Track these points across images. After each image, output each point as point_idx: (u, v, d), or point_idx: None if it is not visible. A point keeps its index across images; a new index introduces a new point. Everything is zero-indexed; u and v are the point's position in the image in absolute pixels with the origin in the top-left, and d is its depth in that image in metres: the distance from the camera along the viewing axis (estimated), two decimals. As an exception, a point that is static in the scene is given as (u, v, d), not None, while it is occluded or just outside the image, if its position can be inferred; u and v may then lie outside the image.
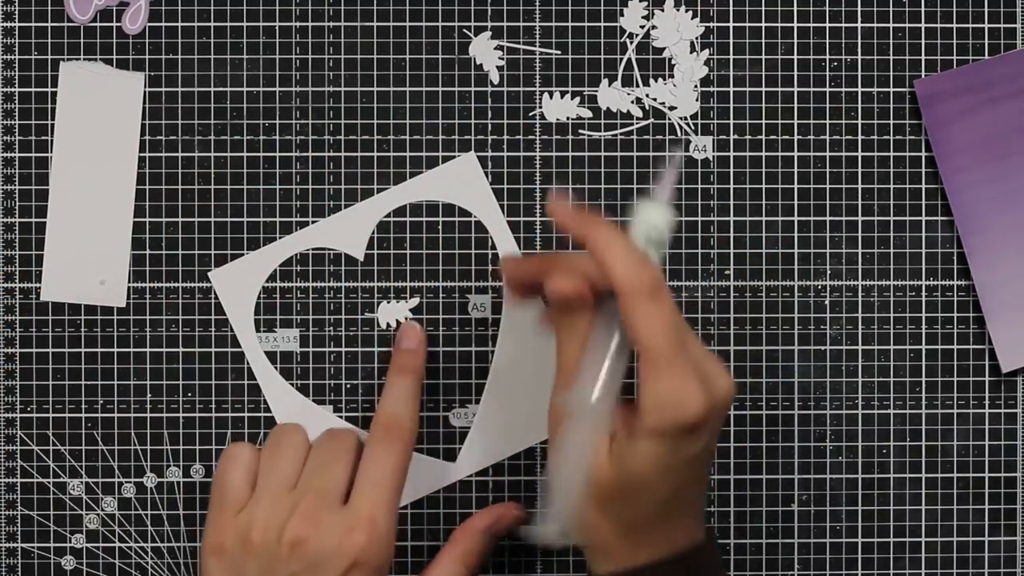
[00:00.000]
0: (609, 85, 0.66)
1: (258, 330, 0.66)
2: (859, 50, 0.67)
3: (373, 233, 0.66)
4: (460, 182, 0.66)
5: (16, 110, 0.66)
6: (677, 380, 0.53)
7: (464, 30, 0.66)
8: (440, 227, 0.66)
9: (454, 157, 0.66)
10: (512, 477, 0.66)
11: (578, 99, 0.67)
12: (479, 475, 0.66)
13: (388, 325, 0.66)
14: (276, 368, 0.66)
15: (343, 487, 0.60)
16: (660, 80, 0.67)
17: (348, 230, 0.66)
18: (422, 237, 0.66)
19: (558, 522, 0.56)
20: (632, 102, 0.66)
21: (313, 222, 0.66)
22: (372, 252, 0.66)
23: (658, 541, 0.56)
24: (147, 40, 0.66)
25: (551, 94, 0.66)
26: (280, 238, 0.66)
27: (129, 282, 0.66)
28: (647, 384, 0.53)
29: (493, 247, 0.66)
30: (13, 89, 0.66)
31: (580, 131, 0.67)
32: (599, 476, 0.55)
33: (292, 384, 0.66)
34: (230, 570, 0.58)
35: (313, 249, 0.66)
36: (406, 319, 0.66)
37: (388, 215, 0.66)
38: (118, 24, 0.66)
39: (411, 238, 0.66)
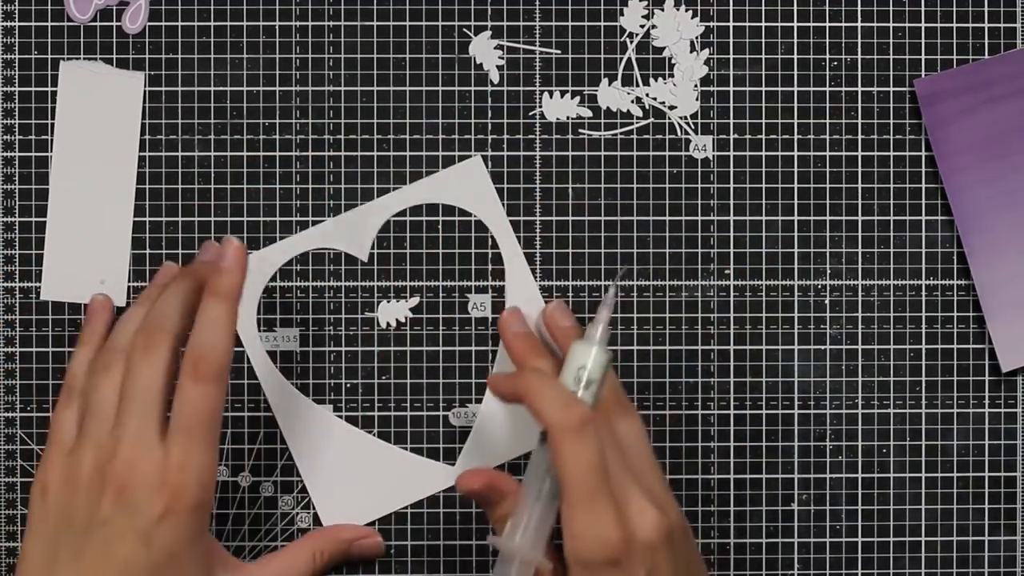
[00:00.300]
0: (609, 85, 0.66)
1: (259, 329, 0.66)
2: (859, 50, 0.67)
3: (377, 234, 0.66)
4: (466, 185, 0.66)
5: (16, 110, 0.66)
6: (592, 515, 0.54)
7: (464, 30, 0.66)
8: (441, 227, 0.66)
9: (454, 157, 0.66)
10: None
11: (578, 99, 0.67)
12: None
13: (388, 325, 0.66)
14: (276, 367, 0.66)
15: (161, 413, 0.57)
16: (660, 80, 0.67)
17: (353, 231, 0.66)
18: (422, 237, 0.66)
19: None
20: (632, 102, 0.66)
21: (315, 222, 0.66)
22: (373, 251, 0.66)
23: None
24: (147, 40, 0.66)
25: (551, 94, 0.67)
26: (282, 237, 0.66)
27: (129, 282, 0.66)
28: (565, 517, 0.55)
29: (495, 248, 0.66)
30: (13, 89, 0.66)
31: (580, 131, 0.67)
32: None
33: (292, 383, 0.66)
34: (52, 509, 0.57)
35: (315, 249, 0.66)
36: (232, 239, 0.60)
37: (392, 216, 0.66)
38: (118, 24, 0.66)
39: (411, 238, 0.66)
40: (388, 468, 0.66)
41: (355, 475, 0.66)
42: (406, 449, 0.66)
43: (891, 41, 0.67)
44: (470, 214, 0.66)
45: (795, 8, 0.67)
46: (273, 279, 0.66)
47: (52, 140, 0.66)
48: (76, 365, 0.61)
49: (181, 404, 0.56)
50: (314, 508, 0.66)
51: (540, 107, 0.67)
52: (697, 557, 0.59)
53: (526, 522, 0.57)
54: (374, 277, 0.66)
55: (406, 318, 0.66)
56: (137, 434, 0.56)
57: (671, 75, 0.67)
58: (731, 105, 0.67)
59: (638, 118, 0.67)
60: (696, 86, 0.67)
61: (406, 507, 0.66)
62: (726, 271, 0.67)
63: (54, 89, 0.66)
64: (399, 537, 0.66)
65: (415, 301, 0.66)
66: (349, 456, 0.66)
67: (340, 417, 0.66)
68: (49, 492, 0.57)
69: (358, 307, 0.66)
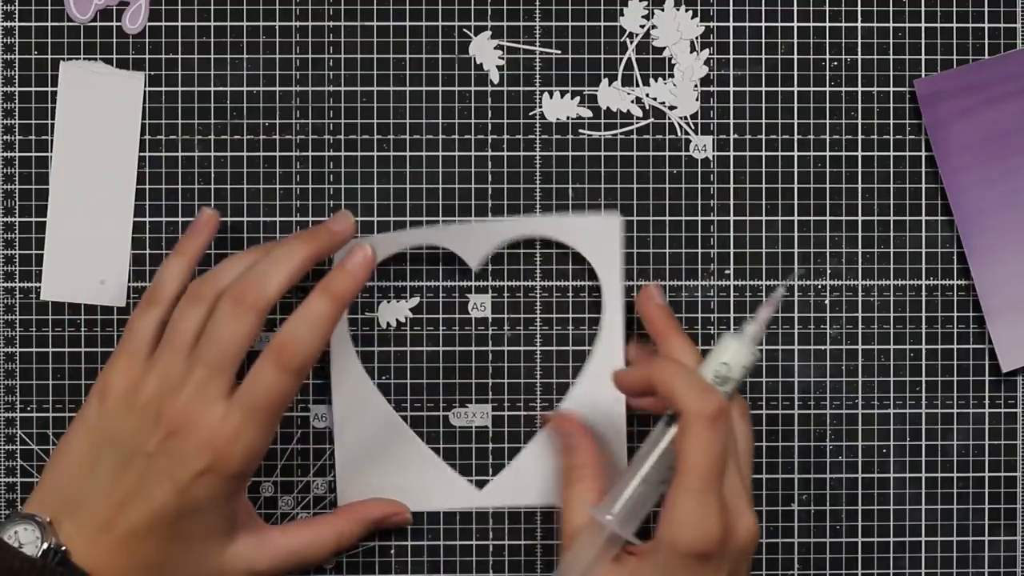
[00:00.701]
0: (609, 85, 0.66)
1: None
2: (859, 50, 0.67)
3: (490, 251, 0.66)
4: (597, 239, 0.65)
5: (16, 110, 0.66)
6: (701, 507, 0.55)
7: (464, 30, 0.66)
8: (555, 272, 0.66)
9: (454, 157, 0.66)
10: (534, 525, 0.66)
11: (578, 99, 0.67)
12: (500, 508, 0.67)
13: (388, 325, 0.66)
14: (353, 345, 0.66)
15: (232, 372, 0.58)
16: (660, 80, 0.67)
17: (472, 239, 0.65)
18: (536, 270, 0.66)
19: None
20: (632, 102, 0.66)
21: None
22: (486, 267, 0.66)
23: None
24: (147, 40, 0.66)
25: (551, 94, 0.67)
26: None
27: (129, 282, 0.66)
28: (674, 502, 0.55)
29: (594, 296, 0.66)
30: (13, 89, 0.66)
31: (580, 131, 0.67)
32: None
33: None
34: (106, 417, 0.58)
35: (427, 247, 0.66)
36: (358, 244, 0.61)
37: (510, 240, 0.66)
38: (118, 24, 0.66)
39: (518, 255, 0.66)
40: (418, 469, 0.66)
41: (384, 465, 0.66)
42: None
43: (891, 41, 0.67)
44: (585, 262, 0.66)
45: (795, 8, 0.67)
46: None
47: (52, 140, 0.66)
48: (166, 274, 0.61)
49: (254, 381, 0.57)
50: (334, 479, 0.66)
51: (540, 107, 0.67)
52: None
53: (628, 498, 0.58)
54: (374, 277, 0.66)
55: (406, 318, 0.66)
56: (203, 385, 0.57)
57: (671, 75, 0.67)
58: (731, 105, 0.67)
59: (638, 118, 0.67)
60: (696, 86, 0.67)
61: (422, 515, 0.66)
62: (726, 271, 0.67)
63: (54, 89, 0.66)
64: (399, 537, 0.66)
65: (415, 301, 0.66)
66: (386, 445, 0.66)
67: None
68: (108, 398, 0.58)
69: (358, 307, 0.66)
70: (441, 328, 0.67)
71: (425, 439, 0.66)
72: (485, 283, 0.66)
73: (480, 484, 0.66)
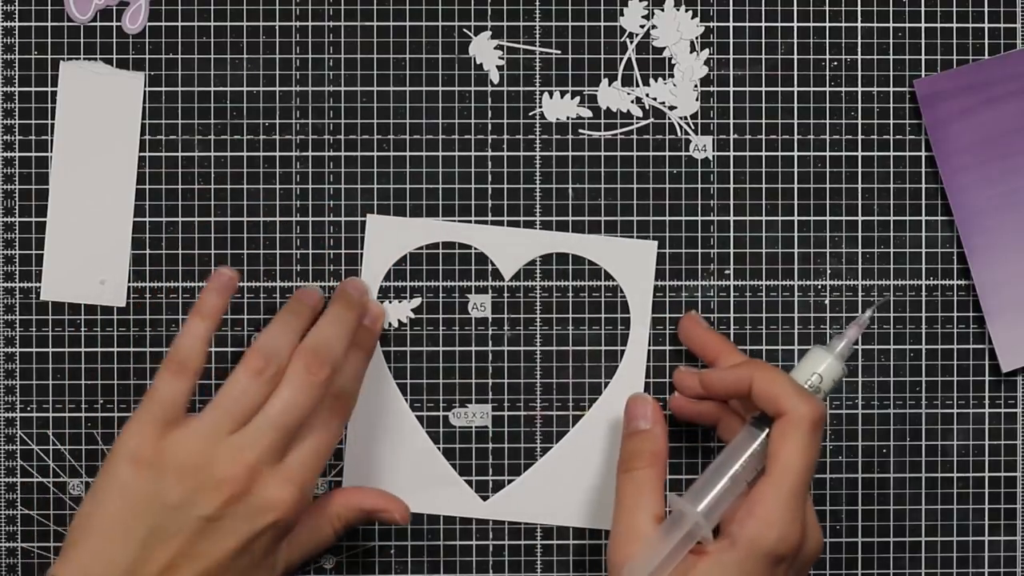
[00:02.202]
0: (609, 85, 0.66)
1: (258, 329, 0.66)
2: (859, 50, 0.67)
3: (522, 264, 0.66)
4: (632, 262, 0.66)
5: (16, 110, 0.66)
6: (791, 509, 0.56)
7: (464, 30, 0.66)
8: (587, 289, 0.66)
9: (454, 157, 0.66)
10: (534, 527, 0.66)
11: (578, 99, 0.67)
12: (502, 522, 0.67)
13: (390, 325, 0.66)
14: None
15: (293, 435, 0.59)
16: (660, 80, 0.67)
17: (506, 245, 0.66)
18: (568, 285, 0.66)
19: None
20: (632, 102, 0.66)
21: (315, 222, 0.66)
22: (516, 283, 0.66)
23: None
24: (147, 40, 0.66)
25: (551, 94, 0.66)
26: (283, 237, 0.66)
27: (129, 282, 0.66)
28: (763, 500, 0.56)
29: (625, 323, 0.66)
30: (13, 89, 0.66)
31: (580, 131, 0.67)
32: None
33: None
34: (146, 483, 0.57)
35: (461, 244, 0.66)
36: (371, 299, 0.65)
37: (546, 253, 0.66)
38: (118, 24, 0.66)
39: (542, 273, 0.66)
40: (427, 472, 0.66)
41: (393, 462, 0.66)
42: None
43: (891, 41, 0.67)
44: (615, 281, 0.66)
45: (795, 8, 0.67)
46: (273, 279, 0.66)
47: (52, 140, 0.66)
48: (189, 339, 0.60)
49: (315, 430, 0.60)
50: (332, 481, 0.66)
51: (540, 107, 0.67)
52: None
53: (714, 494, 0.58)
54: (389, 276, 0.66)
55: (408, 319, 0.66)
56: (271, 449, 0.58)
57: (671, 75, 0.67)
58: (731, 105, 0.67)
59: (638, 118, 0.67)
60: (696, 86, 0.67)
61: (422, 517, 0.66)
62: (726, 271, 0.67)
63: (54, 89, 0.66)
64: (399, 537, 0.66)
65: (416, 302, 0.66)
66: (397, 442, 0.66)
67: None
68: (143, 464, 0.57)
69: (358, 307, 0.66)
70: (441, 328, 0.67)
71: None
72: (485, 283, 0.66)
73: (480, 486, 0.66)
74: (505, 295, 0.66)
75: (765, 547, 0.56)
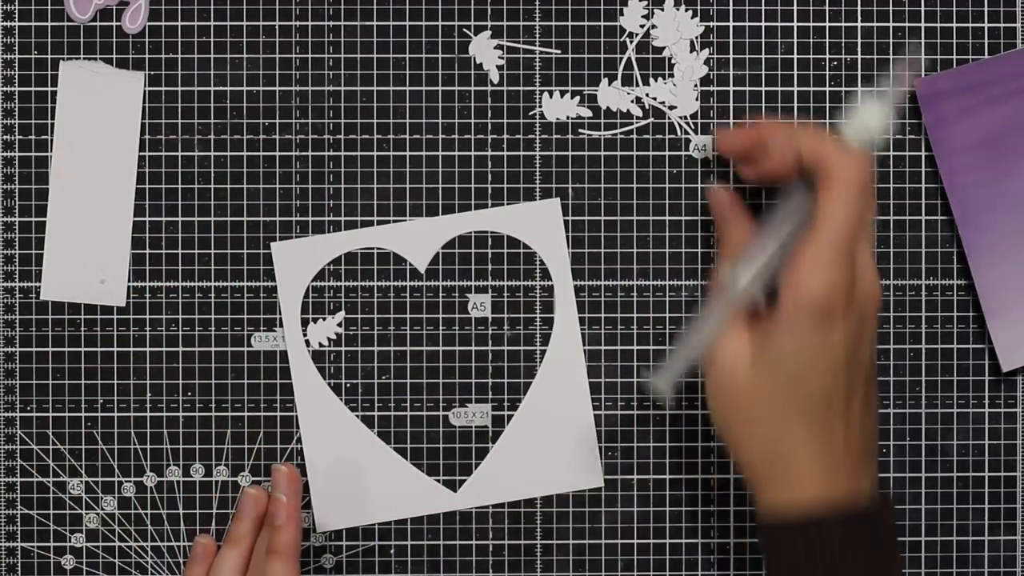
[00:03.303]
0: (609, 84, 0.66)
1: (258, 328, 0.66)
2: (859, 50, 0.67)
3: (439, 250, 0.66)
4: (539, 224, 0.66)
5: (16, 110, 0.66)
6: (830, 263, 0.56)
7: (464, 30, 0.66)
8: (506, 257, 0.66)
9: (454, 157, 0.66)
10: (534, 525, 0.66)
11: (578, 98, 0.67)
12: (483, 508, 0.67)
13: (320, 344, 0.66)
14: (276, 367, 0.66)
15: None
16: (660, 79, 0.67)
17: (415, 240, 0.66)
18: (487, 255, 0.66)
19: (667, 377, 0.60)
20: (632, 101, 0.66)
21: (315, 222, 0.66)
22: (436, 266, 0.66)
23: (816, 478, 0.56)
24: (147, 40, 0.66)
25: (551, 93, 0.66)
26: (283, 237, 0.66)
27: (129, 282, 0.66)
28: (804, 254, 0.56)
29: (546, 280, 0.66)
30: (13, 89, 0.66)
31: (580, 130, 0.67)
32: (740, 379, 0.58)
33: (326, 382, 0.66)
34: None
35: (374, 248, 0.66)
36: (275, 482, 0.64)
37: (455, 237, 0.66)
38: (118, 23, 0.66)
39: (476, 255, 0.66)
40: (392, 479, 0.66)
41: (358, 478, 0.66)
42: (406, 449, 0.66)
43: (891, 41, 0.67)
44: (531, 248, 0.66)
45: (795, 8, 0.67)
46: (272, 279, 0.66)
47: (52, 140, 0.66)
48: (224, 569, 0.63)
49: None
50: (311, 499, 0.66)
51: (540, 107, 0.67)
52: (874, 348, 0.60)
53: (760, 259, 0.59)
54: (374, 277, 0.66)
55: (336, 335, 0.66)
56: None
57: (671, 75, 0.67)
58: (731, 105, 0.67)
59: (638, 118, 0.67)
60: (696, 86, 0.67)
61: (405, 521, 0.66)
62: (726, 271, 0.67)
63: (54, 89, 0.66)
64: (399, 537, 0.67)
65: (340, 316, 0.66)
66: (357, 458, 0.66)
67: (356, 416, 0.66)
68: None
69: (358, 307, 0.66)
70: (441, 328, 0.67)
71: (425, 439, 0.67)
72: (485, 283, 0.66)
73: (462, 485, 0.67)
74: (505, 295, 0.66)
75: (806, 301, 0.56)
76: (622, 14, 0.66)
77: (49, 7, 0.66)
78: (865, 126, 0.59)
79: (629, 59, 0.67)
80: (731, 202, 0.63)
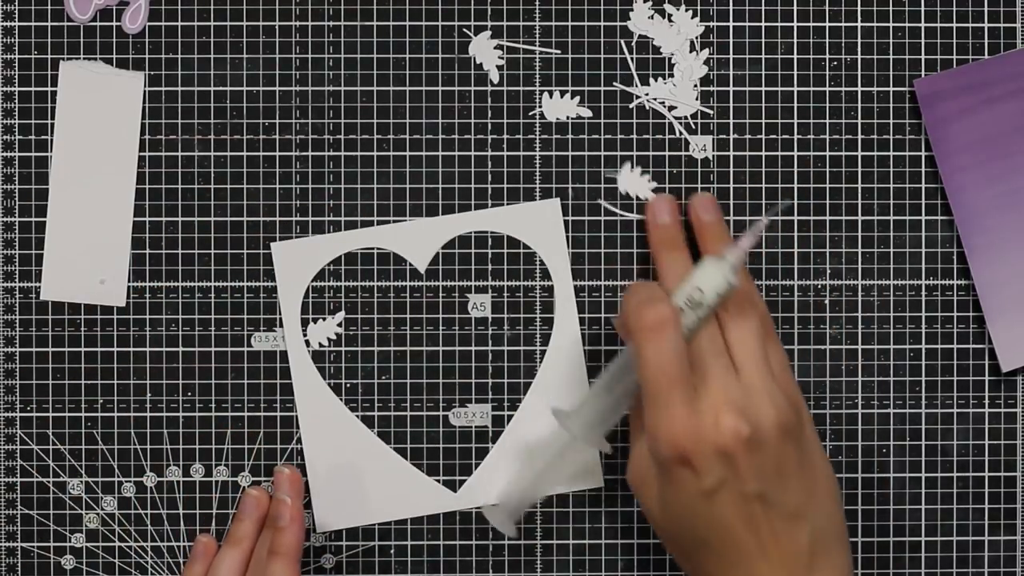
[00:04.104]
0: (609, 85, 0.66)
1: (258, 328, 0.66)
2: (859, 50, 0.67)
3: (439, 251, 0.66)
4: (539, 223, 0.66)
5: (16, 110, 0.66)
6: (663, 414, 0.57)
7: (464, 30, 0.66)
8: (507, 258, 0.66)
9: (454, 157, 0.66)
10: (534, 525, 0.66)
11: (578, 99, 0.67)
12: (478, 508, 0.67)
13: (320, 344, 0.66)
14: (276, 367, 0.66)
15: None
16: (660, 80, 0.67)
17: (415, 240, 0.66)
18: (487, 255, 0.66)
19: (508, 513, 0.63)
20: (632, 101, 0.66)
21: (315, 222, 0.66)
22: (437, 267, 0.66)
23: None
24: (147, 40, 0.66)
25: (551, 94, 0.67)
26: (283, 238, 0.66)
27: (129, 282, 0.66)
28: (644, 416, 0.58)
29: (551, 296, 0.66)
30: (13, 89, 0.66)
31: (580, 131, 0.67)
32: (650, 508, 0.60)
33: (326, 382, 0.66)
34: None
35: (374, 248, 0.66)
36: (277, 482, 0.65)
37: (456, 236, 0.66)
38: (118, 24, 0.66)
39: (476, 255, 0.66)
40: (392, 479, 0.66)
41: (358, 478, 0.66)
42: (406, 449, 0.66)
43: (891, 41, 0.67)
44: (531, 248, 0.66)
45: (795, 8, 0.67)
46: (272, 279, 0.66)
47: (52, 140, 0.66)
48: (223, 569, 0.64)
49: None
50: (311, 499, 0.66)
51: (540, 107, 0.67)
52: (808, 458, 0.58)
53: (589, 407, 0.61)
54: (374, 277, 0.66)
55: (336, 335, 0.66)
56: None
57: (671, 75, 0.67)
58: (731, 105, 0.67)
59: (638, 118, 0.67)
60: (696, 86, 0.67)
61: (406, 522, 0.66)
62: (726, 271, 0.67)
63: (54, 89, 0.66)
64: (399, 537, 0.67)
65: (340, 316, 0.66)
66: (357, 459, 0.66)
67: (357, 416, 0.66)
68: None
69: (358, 307, 0.66)
70: (441, 328, 0.67)
71: (424, 439, 0.67)
72: (485, 283, 0.66)
73: (462, 485, 0.67)
74: (505, 295, 0.66)
75: (656, 455, 0.57)
76: (622, 14, 0.66)
77: (49, 7, 0.66)
78: (699, 290, 0.59)
79: (629, 59, 0.67)
80: (671, 224, 0.64)
